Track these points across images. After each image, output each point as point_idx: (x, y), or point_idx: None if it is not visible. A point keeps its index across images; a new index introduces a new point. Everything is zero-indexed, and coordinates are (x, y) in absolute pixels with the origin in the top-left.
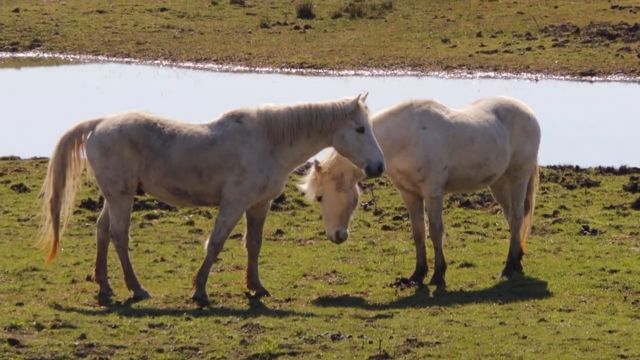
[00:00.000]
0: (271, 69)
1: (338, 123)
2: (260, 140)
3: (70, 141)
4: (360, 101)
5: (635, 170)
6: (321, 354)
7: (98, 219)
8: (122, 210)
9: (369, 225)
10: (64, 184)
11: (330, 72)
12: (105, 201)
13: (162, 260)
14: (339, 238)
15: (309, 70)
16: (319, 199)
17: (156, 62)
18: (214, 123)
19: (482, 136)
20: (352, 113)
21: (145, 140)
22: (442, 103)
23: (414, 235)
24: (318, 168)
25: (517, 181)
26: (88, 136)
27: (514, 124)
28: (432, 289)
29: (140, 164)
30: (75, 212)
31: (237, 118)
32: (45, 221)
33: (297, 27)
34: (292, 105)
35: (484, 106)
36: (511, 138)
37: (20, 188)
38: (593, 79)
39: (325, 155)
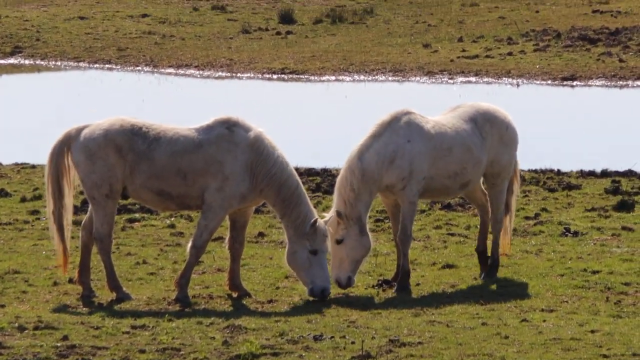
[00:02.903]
0: (252, 75)
1: (298, 228)
2: (245, 156)
3: (60, 150)
4: (319, 224)
5: (617, 173)
6: (303, 355)
7: (83, 222)
8: (106, 214)
9: None
10: (62, 193)
11: (312, 77)
12: (89, 205)
13: (144, 262)
14: (349, 284)
15: (290, 75)
16: (339, 242)
17: (137, 68)
18: (202, 127)
19: (459, 146)
20: (307, 235)
21: (130, 145)
22: (419, 111)
23: (394, 237)
24: (340, 216)
25: (496, 188)
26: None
27: (492, 134)
28: (414, 290)
29: (125, 168)
30: None
31: (228, 125)
32: (53, 234)
33: (278, 33)
34: (283, 162)
35: (462, 114)
36: (488, 147)
37: (2, 193)
38: (574, 83)
39: (339, 201)
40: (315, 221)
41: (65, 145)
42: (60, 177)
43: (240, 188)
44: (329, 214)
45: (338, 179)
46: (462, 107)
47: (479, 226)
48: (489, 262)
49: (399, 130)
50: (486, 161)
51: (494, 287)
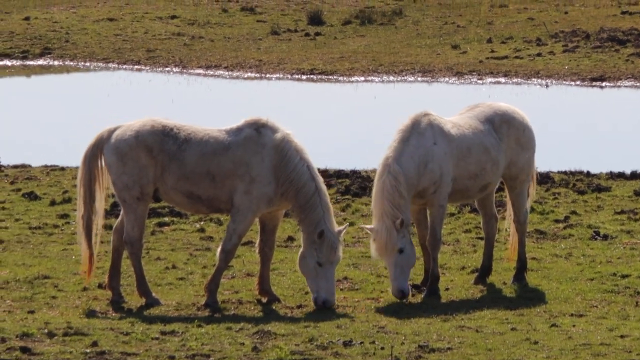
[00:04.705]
0: (281, 76)
1: (310, 235)
2: (271, 157)
3: (93, 154)
4: (327, 236)
5: None
6: None
7: (114, 226)
8: (137, 217)
9: None
10: (93, 197)
11: (341, 78)
12: (121, 208)
13: (173, 267)
14: (409, 293)
15: (319, 76)
16: (402, 251)
17: (167, 69)
18: (232, 128)
19: (477, 147)
20: (315, 243)
21: (160, 146)
22: (445, 112)
23: (420, 242)
24: (403, 224)
25: (515, 190)
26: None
27: (509, 135)
28: (443, 295)
29: (156, 169)
30: None
31: (256, 127)
32: (80, 239)
33: (307, 34)
34: (303, 168)
35: (479, 115)
36: (505, 149)
37: (31, 196)
38: (603, 84)
39: (392, 210)
40: (322, 232)
41: (98, 148)
42: (93, 181)
43: (267, 190)
44: (371, 225)
45: (378, 189)
46: (479, 107)
47: (484, 243)
48: (516, 265)
49: (424, 133)
50: (504, 163)
51: (523, 291)
